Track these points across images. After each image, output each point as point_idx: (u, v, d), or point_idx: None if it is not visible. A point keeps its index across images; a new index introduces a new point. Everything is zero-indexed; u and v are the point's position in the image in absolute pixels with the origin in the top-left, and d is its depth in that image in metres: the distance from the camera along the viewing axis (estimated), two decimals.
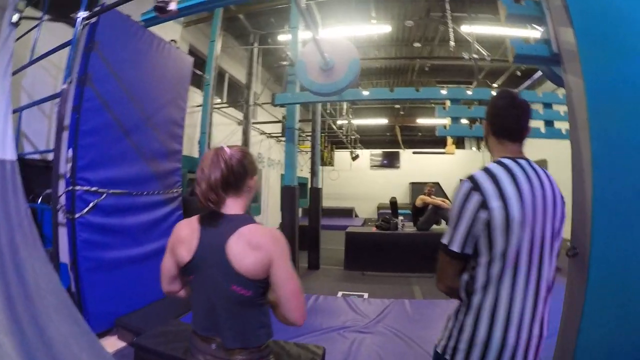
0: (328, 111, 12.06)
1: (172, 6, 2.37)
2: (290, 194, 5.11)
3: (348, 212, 15.85)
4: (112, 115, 3.59)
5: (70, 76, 3.09)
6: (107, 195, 3.53)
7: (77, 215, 3.30)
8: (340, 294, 4.96)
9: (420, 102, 15.01)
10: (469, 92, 4.38)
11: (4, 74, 3.06)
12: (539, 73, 3.59)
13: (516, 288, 1.18)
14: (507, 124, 1.36)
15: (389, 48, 9.83)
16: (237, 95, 9.90)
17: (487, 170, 1.26)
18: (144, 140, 4.01)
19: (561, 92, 4.69)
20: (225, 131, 9.39)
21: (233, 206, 1.36)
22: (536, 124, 4.63)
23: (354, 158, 16.03)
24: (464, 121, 4.95)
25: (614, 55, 1.72)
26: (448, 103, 4.62)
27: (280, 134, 13.35)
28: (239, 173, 1.35)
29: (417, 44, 8.83)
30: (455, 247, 1.24)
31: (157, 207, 4.24)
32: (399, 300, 4.18)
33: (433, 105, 14.58)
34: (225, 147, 1.37)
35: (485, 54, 6.45)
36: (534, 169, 1.29)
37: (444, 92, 4.47)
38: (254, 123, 10.69)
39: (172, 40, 4.57)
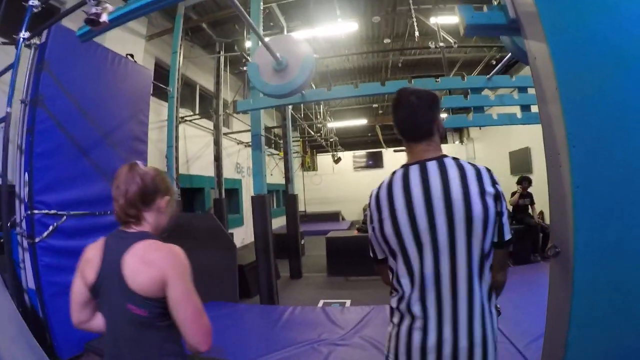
0: (302, 115, 12.11)
1: (104, 17, 2.37)
2: (260, 202, 5.08)
3: (334, 216, 15.91)
4: (67, 135, 3.58)
5: (13, 98, 3.05)
6: (68, 218, 3.51)
7: (37, 240, 3.28)
8: (321, 302, 4.97)
9: None
10: (437, 81, 4.36)
11: None
12: (510, 55, 3.55)
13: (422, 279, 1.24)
14: (402, 126, 1.34)
15: (359, 47, 9.92)
16: (210, 107, 9.89)
17: (389, 177, 1.32)
18: (105, 159, 4.00)
19: None
20: (199, 143, 9.36)
21: (141, 224, 1.37)
22: (512, 109, 4.63)
23: (336, 161, 16.11)
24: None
25: (579, 11, 1.47)
26: None
27: None
28: (150, 190, 1.37)
29: (387, 40, 8.92)
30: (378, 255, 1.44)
31: None
32: (380, 306, 4.13)
33: None
34: (139, 162, 1.40)
35: (451, 41, 6.53)
36: (443, 169, 1.26)
37: (410, 84, 4.42)
38: (228, 133, 10.72)
39: (128, 55, 4.55)
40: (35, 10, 3.05)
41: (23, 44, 3.10)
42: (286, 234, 7.26)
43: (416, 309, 1.21)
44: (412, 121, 1.31)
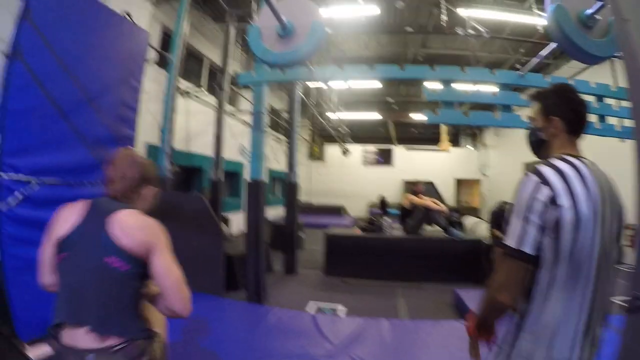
0: (314, 102, 11.81)
1: None
2: (255, 189, 4.78)
3: (337, 210, 15.70)
4: (46, 95, 3.33)
5: None
6: (39, 185, 3.26)
7: (2, 207, 3.04)
8: (312, 305, 4.70)
9: (414, 96, 14.88)
10: (464, 71, 4.02)
11: None
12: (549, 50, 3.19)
13: (574, 297, 1.14)
14: (582, 120, 1.35)
15: (379, 36, 9.61)
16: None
17: (552, 165, 1.22)
18: (87, 124, 3.74)
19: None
20: (203, 120, 9.13)
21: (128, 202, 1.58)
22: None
23: (344, 153, 15.81)
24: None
25: None
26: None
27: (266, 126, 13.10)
28: (143, 179, 1.62)
29: (408, 29, 8.58)
30: (528, 248, 1.16)
31: None
32: (377, 319, 3.85)
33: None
34: (131, 148, 1.66)
35: (482, 30, 6.16)
36: (598, 169, 1.27)
37: (434, 71, 4.08)
38: (234, 113, 10.45)
39: (126, 13, 4.27)
40: None
41: None
42: (283, 225, 6.99)
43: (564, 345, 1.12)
44: (585, 115, 1.35)
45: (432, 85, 6.01)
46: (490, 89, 5.33)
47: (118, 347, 1.35)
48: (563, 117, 1.32)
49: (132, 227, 1.43)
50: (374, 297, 5.14)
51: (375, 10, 7.04)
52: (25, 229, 3.14)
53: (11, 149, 3.11)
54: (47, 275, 1.54)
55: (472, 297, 4.35)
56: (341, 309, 4.56)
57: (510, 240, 1.18)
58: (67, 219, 1.48)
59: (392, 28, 8.80)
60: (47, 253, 1.51)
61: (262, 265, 4.79)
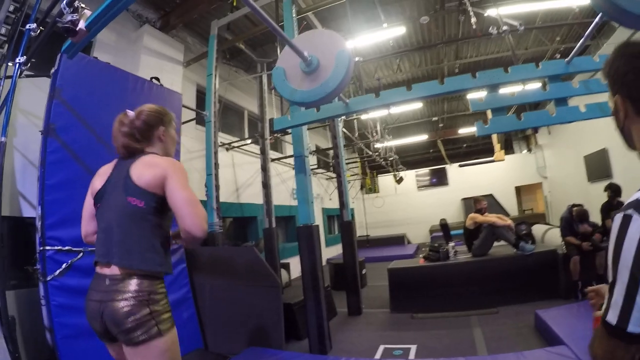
0: (357, 134, 11.63)
1: (81, 24, 2.19)
2: (307, 234, 4.56)
3: (399, 240, 15.08)
4: (83, 166, 3.38)
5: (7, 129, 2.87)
6: (85, 254, 3.26)
7: (49, 278, 3.08)
8: (381, 349, 4.28)
9: (458, 111, 14.34)
10: (507, 72, 3.63)
11: None
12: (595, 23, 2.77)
13: None
14: None
15: (410, 56, 9.41)
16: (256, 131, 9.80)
17: None
18: None
19: None
20: (250, 170, 9.24)
21: (153, 149, 1.77)
22: (601, 98, 3.73)
23: (398, 181, 15.40)
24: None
25: None
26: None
27: (315, 166, 13.08)
28: (143, 128, 1.75)
29: (439, 44, 8.31)
30: (635, 327, 0.77)
31: None
32: (453, 359, 3.33)
33: (472, 111, 13.84)
34: (128, 111, 1.78)
35: (516, 24, 5.72)
36: None
37: (475, 78, 3.71)
38: (280, 158, 10.51)
39: (153, 78, 4.39)
40: (32, 34, 2.93)
41: (19, 69, 2.95)
42: (343, 264, 6.66)
43: None
44: None
45: (477, 95, 5.64)
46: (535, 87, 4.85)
47: (132, 275, 1.52)
48: (628, 94, 0.89)
49: (146, 166, 1.61)
50: (447, 332, 4.62)
51: (400, 30, 6.86)
52: (74, 297, 3.13)
53: (53, 221, 3.18)
54: (86, 225, 1.77)
55: (555, 318, 3.82)
56: (413, 350, 4.10)
57: (611, 315, 0.80)
58: (102, 175, 1.75)
59: (422, 45, 8.57)
60: (87, 205, 1.78)
61: (322, 312, 4.47)
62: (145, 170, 1.59)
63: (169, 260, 1.68)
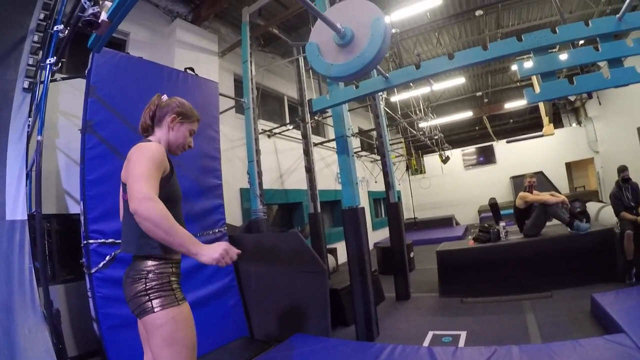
0: (400, 113, 11.19)
1: (103, 16, 2.12)
2: (351, 216, 4.37)
3: (447, 222, 14.52)
4: (122, 160, 3.29)
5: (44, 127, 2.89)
6: None
7: (93, 270, 3.13)
8: (430, 335, 4.05)
9: (503, 84, 13.46)
10: (555, 32, 3.22)
11: (19, 138, 3.11)
12: None
13: None
14: None
15: (449, 28, 8.88)
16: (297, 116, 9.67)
17: None
18: None
19: None
20: (293, 156, 9.14)
21: (151, 137, 1.84)
22: None
23: (445, 161, 14.77)
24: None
25: None
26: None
27: (359, 148, 12.80)
28: (161, 111, 1.84)
29: (479, 12, 7.73)
30: None
31: None
32: (505, 347, 3.01)
33: (518, 83, 12.96)
34: (165, 95, 1.92)
35: None
36: None
37: (521, 42, 3.32)
38: (323, 142, 10.32)
39: (187, 69, 4.30)
40: (61, 35, 2.92)
41: (51, 70, 2.95)
42: (390, 248, 6.41)
43: None
44: None
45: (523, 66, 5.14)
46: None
47: (136, 258, 1.65)
48: None
49: (126, 162, 1.66)
50: (498, 317, 4.30)
51: (436, 1, 6.38)
52: (118, 288, 3.12)
53: (95, 215, 3.22)
54: (120, 216, 1.80)
55: (613, 303, 3.45)
56: (463, 336, 3.83)
57: None
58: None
59: (460, 14, 8.01)
60: (120, 197, 1.82)
61: (369, 297, 4.29)
62: (126, 162, 1.66)
63: None
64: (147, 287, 1.58)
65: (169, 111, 1.83)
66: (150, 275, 1.59)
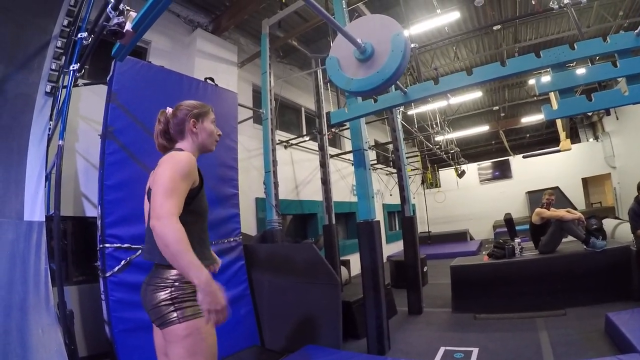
0: (417, 126, 11.13)
1: (128, 26, 2.15)
2: (367, 231, 4.30)
3: (461, 236, 14.22)
4: (140, 166, 3.39)
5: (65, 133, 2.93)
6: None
7: (108, 274, 3.14)
8: (441, 351, 3.94)
9: (520, 99, 13.28)
10: (574, 49, 3.15)
11: (40, 140, 3.15)
12: None
13: None
14: None
15: (468, 42, 8.84)
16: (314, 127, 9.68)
17: None
18: None
19: None
20: (309, 167, 9.12)
21: (180, 146, 1.78)
22: None
23: (460, 175, 14.58)
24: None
25: None
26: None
27: (375, 161, 12.73)
28: (175, 124, 1.79)
29: (496, 27, 7.67)
30: None
31: None
32: None
33: (535, 98, 12.76)
34: (168, 108, 1.85)
35: None
36: None
37: (539, 58, 3.27)
38: (339, 154, 10.29)
39: (207, 79, 4.35)
40: (85, 42, 2.98)
41: (74, 76, 3.00)
42: (404, 262, 6.30)
43: None
44: None
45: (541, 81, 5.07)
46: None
47: (159, 266, 1.59)
48: None
49: (155, 170, 1.61)
50: (511, 334, 4.17)
51: (454, 16, 6.38)
52: (132, 293, 3.15)
53: (112, 220, 3.23)
54: (145, 221, 1.76)
55: (628, 322, 3.33)
56: (475, 353, 3.71)
57: None
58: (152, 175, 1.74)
59: (478, 29, 7.98)
60: (146, 204, 1.80)
61: (382, 311, 4.21)
62: (155, 170, 1.61)
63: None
64: (173, 297, 1.53)
65: (185, 119, 1.78)
66: (176, 284, 1.54)
